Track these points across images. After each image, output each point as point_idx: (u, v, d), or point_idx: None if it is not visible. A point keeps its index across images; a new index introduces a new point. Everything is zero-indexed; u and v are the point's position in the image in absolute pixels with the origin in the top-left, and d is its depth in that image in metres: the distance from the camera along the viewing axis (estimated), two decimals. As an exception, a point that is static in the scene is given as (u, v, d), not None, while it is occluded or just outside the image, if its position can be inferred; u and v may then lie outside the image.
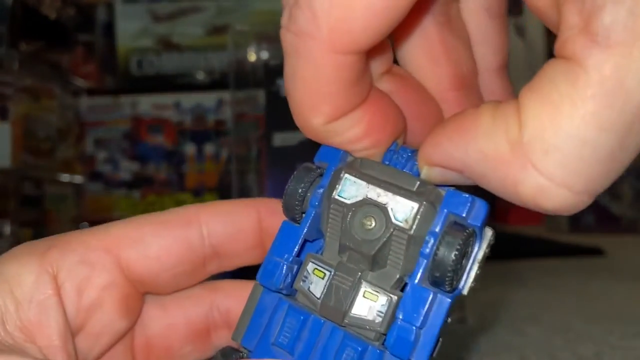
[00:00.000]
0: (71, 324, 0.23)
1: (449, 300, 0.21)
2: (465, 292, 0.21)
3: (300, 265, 0.23)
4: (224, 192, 1.13)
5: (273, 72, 0.79)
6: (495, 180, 0.19)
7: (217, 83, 1.16)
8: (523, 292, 0.73)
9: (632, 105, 0.17)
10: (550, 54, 0.19)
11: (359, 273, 0.21)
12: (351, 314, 0.21)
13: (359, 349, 0.21)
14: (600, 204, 1.60)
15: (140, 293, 0.25)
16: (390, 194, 0.21)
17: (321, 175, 0.23)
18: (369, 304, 0.21)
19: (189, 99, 1.16)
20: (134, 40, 1.21)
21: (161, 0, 1.20)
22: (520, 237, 1.25)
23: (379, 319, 0.21)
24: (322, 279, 0.22)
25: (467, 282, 0.21)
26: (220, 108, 1.15)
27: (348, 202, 0.22)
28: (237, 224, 0.26)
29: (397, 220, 0.21)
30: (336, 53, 0.19)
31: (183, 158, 1.16)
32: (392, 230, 0.21)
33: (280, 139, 0.78)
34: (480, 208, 0.21)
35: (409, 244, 0.21)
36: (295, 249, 0.23)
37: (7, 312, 0.22)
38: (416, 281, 0.21)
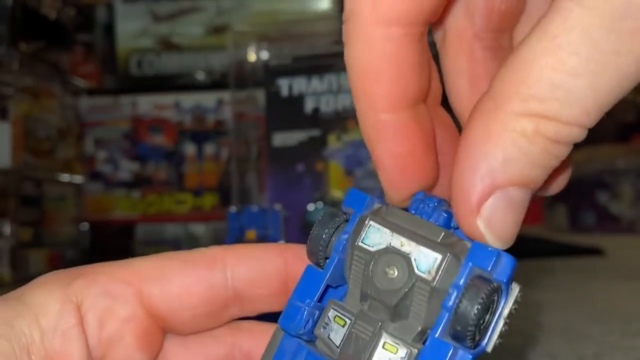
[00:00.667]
0: (92, 355, 0.23)
1: (470, 356, 0.20)
2: (489, 349, 0.21)
3: (322, 311, 0.22)
4: (224, 192, 1.13)
5: (273, 72, 0.79)
6: (512, 154, 0.19)
7: (217, 83, 1.16)
8: (523, 292, 0.73)
9: (601, 53, 0.17)
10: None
11: (380, 323, 0.21)
12: None
13: None
14: (600, 203, 1.60)
15: (161, 328, 0.25)
16: (414, 244, 0.21)
17: (347, 221, 0.23)
18: (389, 356, 0.21)
19: (189, 99, 1.16)
20: (134, 40, 1.21)
21: (161, 0, 1.20)
22: (520, 237, 1.25)
23: None
24: (343, 327, 0.22)
25: (491, 338, 0.21)
26: (220, 108, 1.15)
27: (371, 249, 0.21)
28: (262, 269, 0.25)
29: (420, 271, 0.20)
30: (383, 25, 0.20)
31: (183, 158, 1.16)
32: (414, 281, 0.20)
33: (280, 139, 0.78)
34: (507, 263, 0.20)
35: (432, 296, 0.20)
36: (317, 294, 0.23)
37: (33, 342, 0.22)
38: (437, 334, 0.20)
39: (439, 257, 0.20)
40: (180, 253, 0.25)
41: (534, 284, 0.79)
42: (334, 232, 0.23)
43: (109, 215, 1.16)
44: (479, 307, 0.19)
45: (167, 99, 1.16)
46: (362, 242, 0.21)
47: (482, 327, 0.20)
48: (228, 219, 0.69)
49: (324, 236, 0.23)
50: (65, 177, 1.09)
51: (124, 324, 0.24)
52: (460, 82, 0.24)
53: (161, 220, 1.15)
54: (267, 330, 0.25)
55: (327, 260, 0.23)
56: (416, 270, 0.20)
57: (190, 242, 1.15)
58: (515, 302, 0.21)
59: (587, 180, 1.59)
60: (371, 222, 0.22)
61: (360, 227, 0.22)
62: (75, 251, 1.12)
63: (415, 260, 0.20)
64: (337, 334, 0.22)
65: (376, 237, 0.21)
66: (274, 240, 0.65)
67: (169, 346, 0.26)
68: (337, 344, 0.22)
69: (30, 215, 0.98)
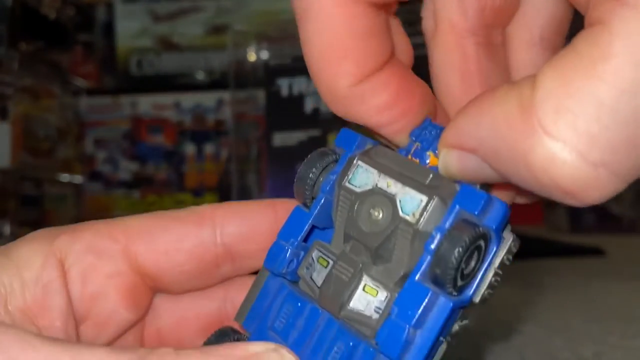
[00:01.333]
0: (76, 310, 0.23)
1: (451, 304, 0.19)
2: (476, 299, 0.20)
3: (307, 251, 0.22)
4: (224, 192, 1.13)
5: (273, 72, 0.79)
6: (506, 155, 0.17)
7: (217, 83, 1.16)
8: (523, 292, 0.73)
9: None
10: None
11: (360, 265, 0.20)
12: (348, 307, 0.20)
13: (350, 344, 0.20)
14: (600, 204, 1.60)
15: (149, 287, 0.25)
16: (400, 185, 0.20)
17: (336, 160, 0.22)
18: (368, 299, 0.20)
19: (188, 99, 1.16)
20: (134, 40, 1.20)
21: (161, 0, 1.20)
22: (521, 237, 1.24)
23: (376, 315, 0.20)
24: (325, 267, 0.21)
25: (478, 288, 0.20)
26: (220, 108, 1.15)
27: (357, 190, 0.21)
28: (252, 225, 0.25)
29: (404, 213, 0.20)
30: (346, 2, 0.19)
31: (183, 158, 1.16)
32: (398, 223, 0.20)
33: (280, 139, 0.78)
34: (498, 208, 0.19)
35: (415, 239, 0.20)
36: (302, 234, 0.22)
37: (12, 293, 0.22)
38: (416, 277, 0.19)
39: (425, 198, 0.20)
40: (170, 211, 0.25)
41: (534, 284, 0.79)
42: (321, 172, 0.22)
43: (109, 215, 1.15)
44: (460, 249, 0.18)
45: (167, 98, 1.16)
46: (348, 182, 0.21)
47: (465, 273, 0.19)
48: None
49: (310, 175, 0.22)
50: (65, 177, 1.09)
51: (108, 280, 0.24)
52: (450, 78, 0.23)
53: (161, 220, 1.14)
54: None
55: (314, 201, 0.22)
56: (400, 212, 0.20)
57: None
58: (509, 252, 0.20)
59: (587, 180, 1.58)
60: (359, 162, 0.21)
61: (348, 167, 0.21)
62: (75, 251, 1.11)
63: (400, 201, 0.20)
64: (319, 275, 0.21)
65: (363, 177, 0.21)
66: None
67: (160, 301, 0.26)
68: (319, 285, 0.21)
69: (30, 215, 0.97)
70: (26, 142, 0.97)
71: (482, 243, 0.19)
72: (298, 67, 0.78)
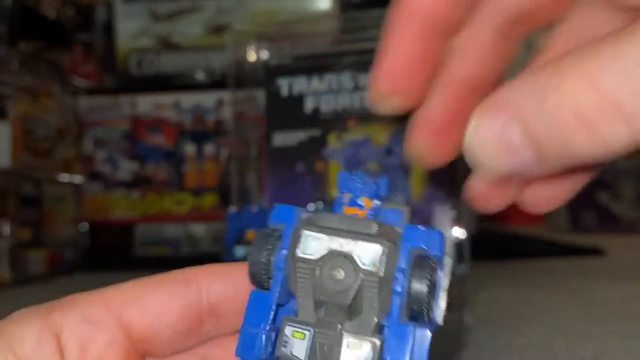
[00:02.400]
0: None
1: (430, 332, 0.21)
2: (440, 322, 0.21)
3: (278, 331, 0.22)
4: (224, 192, 1.13)
5: (273, 72, 0.79)
6: (533, 102, 0.18)
7: (216, 83, 1.16)
8: (523, 292, 0.73)
9: None
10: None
11: (339, 325, 0.21)
12: None
13: None
14: (600, 204, 1.60)
15: (140, 353, 0.25)
16: (352, 242, 0.21)
17: (279, 237, 0.23)
18: (355, 355, 0.21)
19: (188, 99, 1.16)
20: (134, 39, 1.20)
21: (161, 0, 1.19)
22: (520, 237, 1.24)
23: None
24: (303, 340, 0.22)
25: (439, 311, 0.21)
26: (220, 108, 1.15)
27: (313, 257, 0.21)
28: (234, 285, 0.26)
29: (364, 265, 0.21)
30: None
31: (182, 158, 1.16)
32: (361, 276, 0.21)
33: (280, 139, 0.78)
34: (438, 238, 0.21)
35: (382, 286, 0.21)
36: (270, 316, 0.22)
37: None
38: (395, 320, 0.21)
39: (379, 247, 0.21)
40: (154, 276, 0.26)
41: (534, 284, 0.79)
42: (271, 252, 0.23)
43: (109, 215, 1.15)
44: (429, 284, 0.20)
45: (166, 98, 1.16)
46: (302, 253, 0.22)
47: (431, 303, 0.21)
48: (228, 219, 0.69)
49: (263, 259, 0.23)
50: (64, 177, 1.09)
51: (105, 349, 0.24)
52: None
53: (161, 220, 1.14)
54: (233, 338, 0.25)
55: (272, 281, 0.23)
56: (361, 266, 0.21)
57: (190, 242, 1.15)
58: (450, 272, 0.22)
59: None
60: (305, 232, 0.22)
61: (296, 239, 0.22)
62: (75, 251, 1.11)
63: (358, 256, 0.21)
64: (299, 349, 0.22)
65: (314, 245, 0.22)
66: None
67: None
68: (302, 358, 0.22)
69: (29, 216, 0.97)
70: (26, 142, 0.97)
71: (437, 271, 0.21)
72: (298, 67, 0.78)
